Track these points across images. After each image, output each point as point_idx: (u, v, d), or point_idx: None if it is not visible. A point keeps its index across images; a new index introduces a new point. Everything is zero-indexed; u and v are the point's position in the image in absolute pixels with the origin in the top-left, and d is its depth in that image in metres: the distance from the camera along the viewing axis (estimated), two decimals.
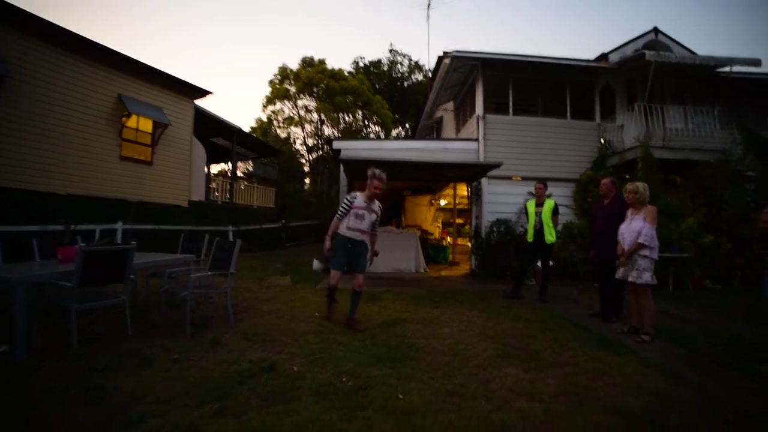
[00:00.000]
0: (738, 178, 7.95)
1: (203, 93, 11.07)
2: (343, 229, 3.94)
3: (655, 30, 9.92)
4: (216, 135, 13.93)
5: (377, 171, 3.94)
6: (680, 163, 8.17)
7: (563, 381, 2.77)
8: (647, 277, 3.84)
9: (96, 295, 3.54)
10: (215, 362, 3.01)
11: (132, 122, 9.38)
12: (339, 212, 3.98)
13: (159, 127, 9.93)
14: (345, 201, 3.97)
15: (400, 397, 2.44)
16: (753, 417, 2.29)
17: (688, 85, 9.73)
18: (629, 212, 4.15)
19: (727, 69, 8.75)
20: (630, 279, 3.95)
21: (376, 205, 4.05)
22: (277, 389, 2.53)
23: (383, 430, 2.04)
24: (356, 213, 3.91)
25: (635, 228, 3.95)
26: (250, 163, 21.30)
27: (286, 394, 2.47)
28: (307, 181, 25.70)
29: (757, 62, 8.35)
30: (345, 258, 3.95)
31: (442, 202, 13.92)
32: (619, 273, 4.11)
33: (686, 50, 10.04)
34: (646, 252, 3.85)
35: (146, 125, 9.78)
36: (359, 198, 3.96)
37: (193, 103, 11.21)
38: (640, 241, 3.84)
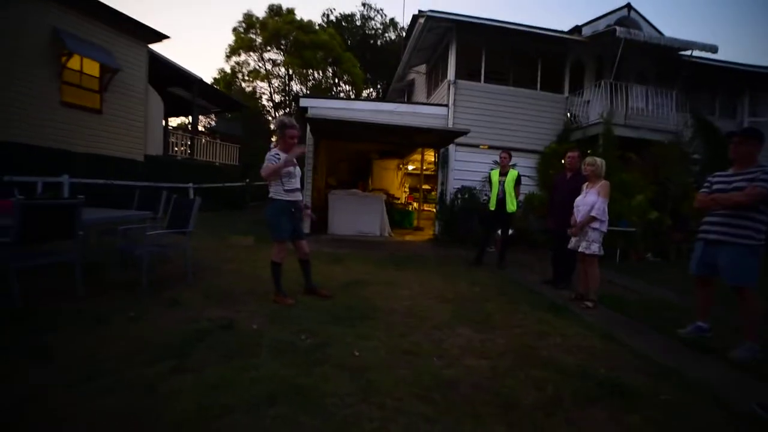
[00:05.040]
0: (685, 159, 8.47)
1: (159, 36, 10.14)
2: (281, 194, 3.53)
3: (628, 6, 10.03)
4: (175, 85, 12.97)
5: (287, 119, 3.61)
6: (638, 141, 8.56)
7: (511, 341, 2.98)
8: (595, 248, 4.09)
9: (40, 252, 3.34)
10: (173, 321, 2.98)
11: (75, 64, 8.50)
12: (271, 161, 3.48)
13: (107, 71, 9.08)
14: (271, 158, 3.48)
15: (357, 354, 2.54)
16: (668, 369, 2.59)
17: (653, 65, 10.02)
18: (585, 186, 4.34)
19: (688, 53, 9.08)
20: (580, 249, 4.21)
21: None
22: (236, 346, 2.56)
23: (338, 385, 2.14)
24: (287, 172, 3.53)
25: (589, 201, 4.15)
26: (213, 117, 20.16)
27: (245, 351, 2.50)
28: (273, 139, 24.80)
29: (713, 48, 8.75)
30: (290, 225, 3.60)
31: (410, 167, 13.95)
32: (571, 243, 4.36)
33: (655, 30, 10.26)
34: (596, 225, 4.08)
35: (92, 68, 8.92)
36: (281, 155, 3.50)
37: (148, 48, 10.28)
38: (593, 214, 4.05)
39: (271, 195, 3.58)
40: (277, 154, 3.50)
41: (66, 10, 8.22)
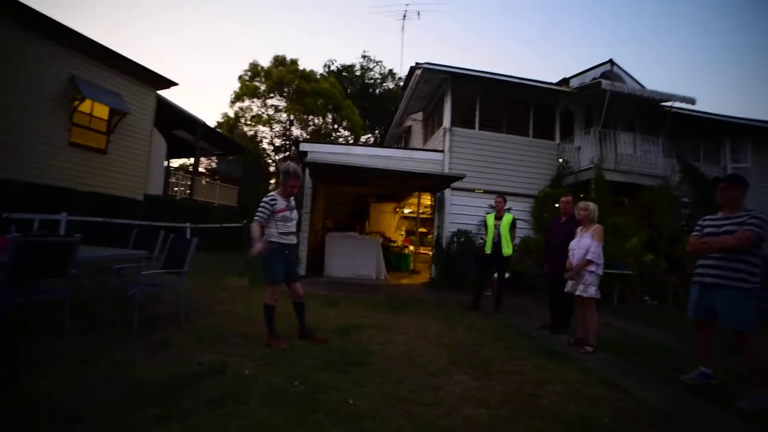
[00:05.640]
0: (675, 203, 8.66)
1: (167, 83, 10.64)
2: (275, 236, 3.54)
3: (611, 62, 10.67)
4: (178, 127, 13.42)
5: (293, 167, 3.63)
6: (628, 186, 8.79)
7: (510, 389, 2.88)
8: (592, 291, 4.08)
9: (30, 289, 3.29)
10: (162, 364, 2.89)
11: (85, 107, 8.85)
12: (259, 216, 3.50)
13: (116, 114, 9.43)
14: (265, 205, 3.51)
15: (351, 402, 2.45)
16: (673, 418, 2.50)
17: (638, 114, 10.52)
18: (579, 230, 4.40)
19: (669, 104, 9.59)
20: (577, 293, 4.19)
21: (292, 201, 3.76)
22: (226, 392, 2.47)
23: None
24: (283, 216, 3.57)
25: (584, 245, 4.19)
26: (214, 159, 20.60)
27: (235, 398, 2.41)
28: (272, 182, 25.18)
29: (691, 100, 9.28)
30: (283, 267, 3.59)
31: (407, 211, 14.09)
32: (568, 287, 4.34)
33: (637, 83, 10.87)
34: (592, 268, 4.09)
35: (102, 112, 9.26)
36: (279, 199, 3.57)
37: (156, 93, 10.74)
38: (589, 257, 4.08)
39: (265, 237, 3.59)
40: (274, 199, 3.55)
41: (83, 57, 8.70)
